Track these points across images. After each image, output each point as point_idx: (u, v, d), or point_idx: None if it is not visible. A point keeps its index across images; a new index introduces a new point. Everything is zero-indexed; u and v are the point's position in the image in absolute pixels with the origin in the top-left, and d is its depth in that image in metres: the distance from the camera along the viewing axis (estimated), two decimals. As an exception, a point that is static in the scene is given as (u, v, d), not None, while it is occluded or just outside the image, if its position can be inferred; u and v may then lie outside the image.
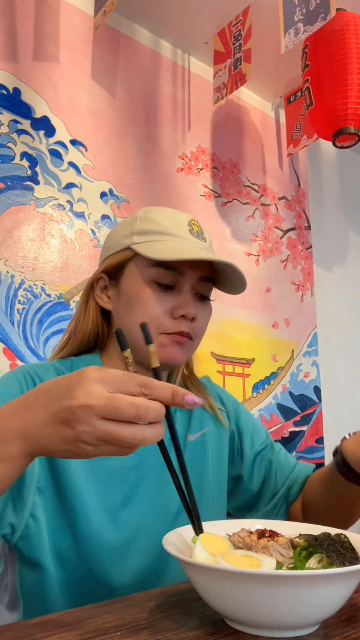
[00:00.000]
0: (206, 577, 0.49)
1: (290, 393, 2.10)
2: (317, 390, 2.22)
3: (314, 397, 2.20)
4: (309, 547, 0.54)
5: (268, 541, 0.54)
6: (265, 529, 0.58)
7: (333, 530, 0.58)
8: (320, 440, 2.18)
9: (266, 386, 2.01)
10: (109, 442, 0.47)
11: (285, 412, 2.07)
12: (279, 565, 0.51)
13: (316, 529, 0.60)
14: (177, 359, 0.78)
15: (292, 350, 2.15)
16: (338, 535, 0.55)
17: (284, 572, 0.48)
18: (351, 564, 0.50)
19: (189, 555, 0.53)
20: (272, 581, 0.45)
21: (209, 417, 0.89)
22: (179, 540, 0.57)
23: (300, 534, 0.56)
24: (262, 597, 0.45)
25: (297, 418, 2.11)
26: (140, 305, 0.77)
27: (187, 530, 0.59)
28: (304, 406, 2.15)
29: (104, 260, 0.85)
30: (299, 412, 2.12)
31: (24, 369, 0.78)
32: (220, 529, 0.60)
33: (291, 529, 0.61)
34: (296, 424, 2.09)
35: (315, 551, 0.53)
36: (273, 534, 0.56)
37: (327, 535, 0.55)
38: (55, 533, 0.70)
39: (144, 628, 0.49)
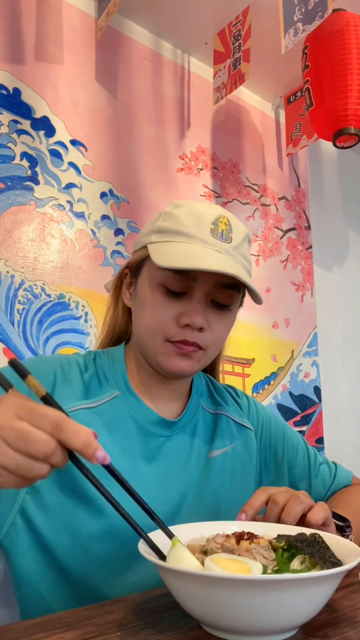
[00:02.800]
0: (182, 582, 0.47)
1: (290, 393, 2.10)
2: (317, 390, 2.22)
3: (314, 397, 2.20)
4: (290, 549, 0.54)
5: (250, 544, 0.53)
6: (243, 531, 0.57)
7: (306, 530, 0.58)
8: (320, 440, 2.18)
9: (266, 386, 2.01)
10: (12, 472, 0.46)
11: (286, 412, 2.07)
12: (264, 569, 0.50)
13: (289, 529, 0.60)
14: (181, 370, 0.73)
15: (292, 351, 2.15)
16: (313, 535, 0.55)
17: (276, 576, 0.47)
18: (332, 563, 0.50)
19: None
20: (263, 586, 0.44)
21: (235, 431, 0.85)
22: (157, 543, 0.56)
23: (278, 535, 0.56)
24: (250, 603, 0.44)
25: (297, 418, 2.11)
26: (147, 308, 0.74)
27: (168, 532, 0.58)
28: (304, 406, 2.15)
29: (132, 254, 0.82)
30: (299, 412, 2.12)
31: (39, 362, 0.77)
32: (195, 531, 0.60)
33: (264, 529, 0.60)
34: (296, 424, 2.09)
35: (297, 552, 0.53)
36: (252, 536, 0.55)
37: (304, 535, 0.55)
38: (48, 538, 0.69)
39: (144, 628, 0.49)
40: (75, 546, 0.68)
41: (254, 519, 0.67)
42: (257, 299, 0.73)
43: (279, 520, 0.64)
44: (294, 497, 0.65)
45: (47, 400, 0.51)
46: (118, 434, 0.74)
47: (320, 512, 0.64)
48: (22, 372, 0.51)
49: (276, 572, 0.51)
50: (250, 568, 0.49)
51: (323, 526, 0.65)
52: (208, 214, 0.74)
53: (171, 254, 0.71)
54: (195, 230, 0.72)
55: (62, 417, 0.47)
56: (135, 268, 0.79)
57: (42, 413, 0.47)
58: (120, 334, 0.86)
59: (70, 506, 0.68)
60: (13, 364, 0.51)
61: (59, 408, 0.51)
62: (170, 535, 0.54)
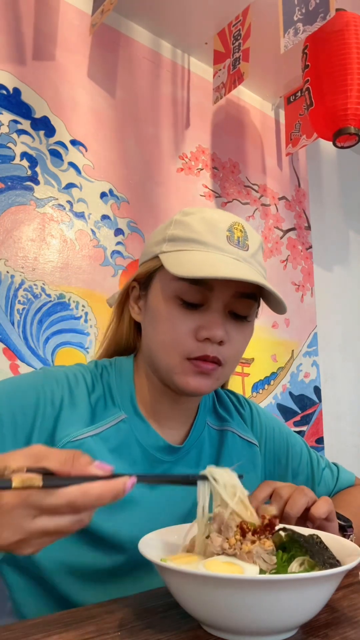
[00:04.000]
0: (182, 582, 0.48)
1: (290, 393, 2.10)
2: (317, 390, 2.22)
3: (314, 397, 2.20)
4: (291, 549, 0.53)
5: (253, 544, 0.52)
6: (248, 527, 0.54)
7: (305, 531, 0.58)
8: (320, 441, 2.18)
9: (266, 386, 2.01)
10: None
11: (285, 412, 2.07)
12: (262, 573, 0.50)
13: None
14: (201, 390, 0.69)
15: (292, 350, 2.15)
16: (310, 536, 0.55)
17: (276, 576, 0.47)
18: (332, 564, 0.50)
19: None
20: (263, 586, 0.44)
21: (240, 448, 0.83)
22: (158, 543, 0.56)
23: (285, 527, 0.56)
24: (250, 603, 0.44)
25: (297, 418, 2.11)
26: (162, 323, 0.70)
27: (167, 532, 0.59)
28: (304, 406, 2.15)
29: (139, 267, 0.78)
30: (299, 412, 2.12)
31: (46, 379, 0.71)
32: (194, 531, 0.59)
33: None
34: (296, 424, 2.09)
35: (297, 554, 0.52)
36: (262, 531, 0.53)
37: (302, 534, 0.55)
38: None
39: (144, 628, 0.49)
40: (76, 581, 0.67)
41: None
42: (279, 308, 0.70)
43: (282, 513, 0.64)
44: (298, 490, 0.66)
45: (49, 483, 0.44)
46: (123, 459, 0.71)
47: (324, 506, 0.65)
48: (2, 487, 0.43)
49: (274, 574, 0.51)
50: (243, 571, 0.49)
51: (326, 521, 0.65)
52: (222, 220, 0.70)
53: (189, 263, 0.66)
54: (211, 238, 0.69)
55: (74, 494, 0.44)
56: (144, 280, 0.75)
57: (53, 504, 0.43)
58: (122, 348, 0.83)
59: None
60: None
61: (67, 481, 0.45)
62: (200, 477, 0.57)
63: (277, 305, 0.71)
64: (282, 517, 0.64)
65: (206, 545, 0.54)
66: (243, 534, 0.53)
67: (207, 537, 0.54)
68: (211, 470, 0.58)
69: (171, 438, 0.77)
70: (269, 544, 0.52)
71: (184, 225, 0.71)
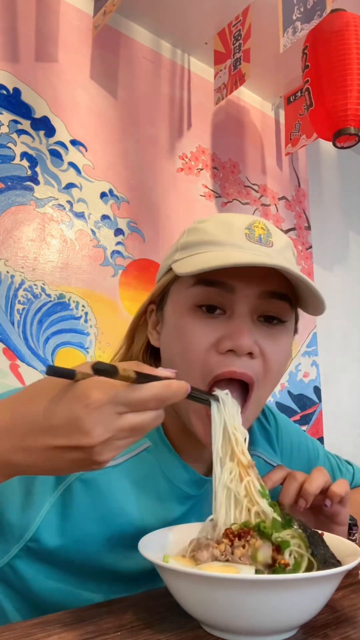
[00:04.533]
0: (183, 582, 0.48)
1: (289, 392, 2.10)
2: (317, 390, 2.22)
3: (314, 397, 2.20)
4: (291, 522, 0.54)
5: (243, 548, 0.52)
6: (233, 533, 0.53)
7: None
8: (320, 441, 2.17)
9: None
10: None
11: (285, 411, 2.07)
12: (258, 572, 0.50)
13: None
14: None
15: (291, 350, 2.15)
16: (314, 532, 0.55)
17: (276, 576, 0.47)
18: (332, 564, 0.50)
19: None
20: (263, 586, 0.44)
21: (265, 472, 0.76)
22: (157, 543, 0.56)
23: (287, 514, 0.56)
24: (250, 603, 0.44)
25: (297, 418, 2.11)
26: (179, 339, 0.61)
27: (167, 532, 0.58)
28: (303, 406, 2.15)
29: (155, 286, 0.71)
30: (299, 411, 2.12)
31: None
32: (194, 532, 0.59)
33: None
34: (296, 423, 2.09)
35: (288, 525, 0.53)
36: (244, 534, 0.53)
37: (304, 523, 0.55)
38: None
39: (144, 628, 0.49)
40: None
41: None
42: (316, 306, 0.60)
43: (296, 495, 0.63)
44: (316, 469, 0.65)
45: (140, 380, 0.44)
46: (148, 495, 0.64)
47: (343, 485, 0.64)
48: (109, 372, 0.42)
49: (273, 571, 0.51)
50: (239, 572, 0.49)
51: (339, 504, 0.65)
52: (238, 219, 0.62)
53: (201, 261, 0.58)
54: (227, 237, 0.60)
55: (159, 389, 0.44)
56: (159, 299, 0.67)
57: (141, 399, 0.43)
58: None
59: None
60: (98, 369, 0.41)
61: (152, 378, 0.45)
62: (213, 398, 0.57)
63: (313, 303, 0.61)
64: (300, 494, 0.63)
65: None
66: (230, 541, 0.52)
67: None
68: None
69: (199, 466, 0.70)
70: (258, 543, 0.52)
71: (197, 230, 0.64)
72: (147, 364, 0.71)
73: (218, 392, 0.59)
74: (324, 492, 0.65)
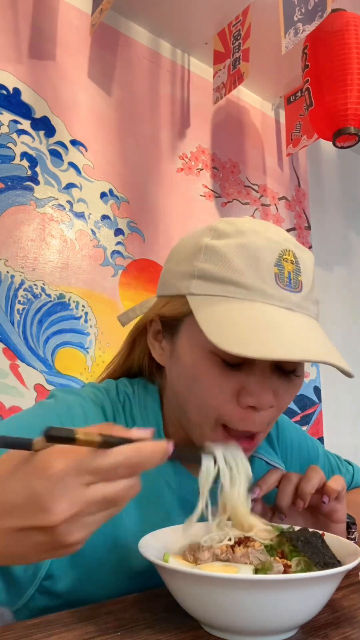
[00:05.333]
0: (183, 582, 0.48)
1: (290, 393, 2.10)
2: (317, 390, 2.22)
3: (314, 398, 2.20)
4: (287, 548, 0.53)
5: (244, 548, 0.52)
6: (239, 537, 0.54)
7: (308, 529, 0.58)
8: (320, 441, 2.17)
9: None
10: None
11: (285, 412, 2.06)
12: (260, 572, 0.50)
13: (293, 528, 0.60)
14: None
15: (292, 351, 2.14)
16: (315, 532, 0.55)
17: (276, 576, 0.47)
18: (332, 564, 0.50)
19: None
20: (263, 586, 0.44)
21: (263, 466, 0.77)
22: (157, 543, 0.56)
23: (281, 532, 0.56)
24: (250, 603, 0.44)
25: (297, 418, 2.10)
26: (197, 383, 0.58)
27: (166, 533, 0.58)
28: (303, 406, 2.15)
29: (160, 298, 0.65)
30: (299, 412, 2.12)
31: (59, 417, 0.60)
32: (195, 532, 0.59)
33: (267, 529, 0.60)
34: (296, 424, 2.09)
35: (294, 554, 0.52)
36: (245, 540, 0.54)
37: (306, 532, 0.55)
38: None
39: (144, 628, 0.49)
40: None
41: (263, 508, 0.67)
42: (346, 374, 0.55)
43: (292, 496, 0.63)
44: (311, 468, 0.64)
45: (107, 443, 0.40)
46: (153, 511, 0.62)
47: (339, 481, 0.64)
48: (67, 439, 0.38)
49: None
50: (238, 571, 0.49)
51: (336, 500, 0.65)
52: (267, 249, 0.56)
53: (231, 328, 0.53)
54: (254, 279, 0.55)
55: (131, 454, 0.40)
56: (170, 323, 0.63)
57: (111, 465, 0.39)
58: (133, 374, 0.74)
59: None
60: (50, 435, 0.37)
61: (121, 440, 0.41)
62: (203, 452, 0.52)
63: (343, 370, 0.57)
64: (297, 494, 0.63)
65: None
66: (231, 547, 0.53)
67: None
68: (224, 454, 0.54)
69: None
70: (258, 544, 0.53)
71: (219, 256, 0.57)
72: (149, 370, 0.70)
73: (217, 449, 0.53)
74: (320, 490, 0.64)
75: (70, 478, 0.37)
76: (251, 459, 0.75)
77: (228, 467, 0.53)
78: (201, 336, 0.55)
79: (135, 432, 0.42)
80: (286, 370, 0.60)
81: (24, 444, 0.39)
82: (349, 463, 0.95)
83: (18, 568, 0.55)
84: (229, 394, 0.57)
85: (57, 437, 0.37)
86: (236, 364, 0.57)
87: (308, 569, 0.50)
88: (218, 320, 0.54)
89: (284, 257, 0.57)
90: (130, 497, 0.41)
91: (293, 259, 0.58)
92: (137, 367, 0.73)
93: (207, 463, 0.52)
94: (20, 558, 0.41)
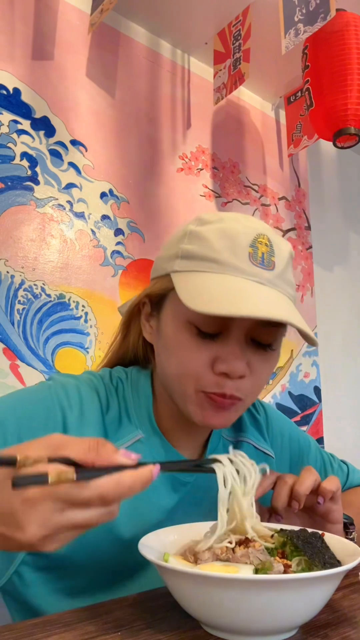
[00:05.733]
0: (183, 582, 0.48)
1: (289, 393, 2.10)
2: (317, 390, 2.22)
3: (314, 398, 2.20)
4: (288, 548, 0.53)
5: (244, 548, 0.52)
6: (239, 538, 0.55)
7: (308, 529, 0.58)
8: (320, 441, 2.17)
9: (265, 386, 2.01)
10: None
11: (285, 412, 2.07)
12: (260, 572, 0.50)
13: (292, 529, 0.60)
14: (217, 425, 0.64)
15: (292, 350, 2.15)
16: (314, 533, 0.55)
17: (276, 576, 0.47)
18: (332, 564, 0.50)
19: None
20: (263, 586, 0.44)
21: (256, 459, 0.75)
22: (157, 543, 0.56)
23: (281, 529, 0.56)
24: (250, 603, 0.44)
25: (297, 418, 2.10)
26: (175, 352, 0.63)
27: (166, 533, 0.59)
28: (303, 406, 2.15)
29: (151, 281, 0.71)
30: (299, 412, 2.12)
31: (57, 396, 0.65)
32: (194, 531, 0.59)
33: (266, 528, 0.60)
34: (296, 424, 2.09)
35: (294, 554, 0.53)
36: (246, 541, 0.54)
37: (305, 533, 0.55)
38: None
39: (144, 628, 0.49)
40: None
41: (261, 510, 0.67)
42: (311, 341, 0.60)
43: (288, 498, 0.64)
44: (305, 469, 0.65)
45: (83, 476, 0.41)
46: None
47: (334, 481, 0.65)
48: (7, 462, 0.41)
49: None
50: (238, 571, 0.49)
51: (331, 501, 0.65)
52: (243, 233, 0.61)
53: (204, 292, 0.58)
54: (230, 257, 0.60)
55: (107, 486, 0.41)
56: (156, 300, 0.68)
57: (84, 496, 0.40)
58: (127, 363, 0.78)
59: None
60: (20, 481, 0.39)
61: (100, 471, 0.42)
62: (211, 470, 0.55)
63: (307, 338, 0.62)
64: (292, 496, 0.64)
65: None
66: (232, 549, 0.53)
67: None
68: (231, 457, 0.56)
69: (190, 452, 0.74)
70: (258, 544, 0.53)
71: (200, 238, 0.62)
72: (143, 354, 0.75)
73: (221, 461, 0.56)
74: (315, 491, 0.65)
75: (45, 504, 0.39)
76: (239, 444, 0.78)
77: (241, 477, 0.55)
78: (181, 308, 0.60)
79: (120, 458, 0.44)
80: (261, 344, 0.63)
81: (7, 461, 0.40)
82: (344, 462, 0.95)
83: None
84: (205, 362, 0.61)
85: (29, 481, 0.39)
86: (212, 334, 0.61)
87: (309, 569, 0.50)
88: (193, 289, 0.59)
89: (259, 240, 0.61)
90: (104, 522, 0.42)
91: (267, 242, 0.62)
92: (132, 352, 0.77)
93: (222, 470, 0.55)
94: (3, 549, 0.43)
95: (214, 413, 0.63)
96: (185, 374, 0.62)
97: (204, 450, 0.75)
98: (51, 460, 0.41)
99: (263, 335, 0.63)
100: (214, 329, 0.61)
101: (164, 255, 0.68)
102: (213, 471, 0.55)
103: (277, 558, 0.53)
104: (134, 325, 0.74)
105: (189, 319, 0.61)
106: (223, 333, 0.61)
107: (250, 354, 0.63)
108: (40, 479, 0.39)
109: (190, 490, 0.71)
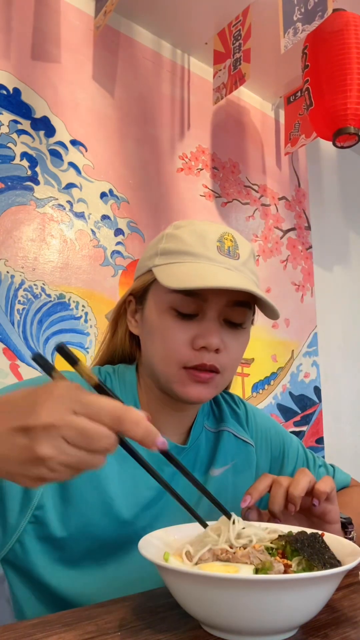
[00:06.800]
0: (183, 582, 0.48)
1: (290, 393, 2.10)
2: (317, 390, 2.22)
3: (314, 398, 2.20)
4: (288, 548, 0.53)
5: (245, 548, 0.52)
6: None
7: (307, 530, 0.58)
8: (320, 441, 2.17)
9: (266, 386, 2.01)
10: (71, 467, 0.44)
11: (285, 412, 2.07)
12: (260, 572, 0.50)
13: (290, 529, 0.60)
14: (200, 399, 0.71)
15: (292, 351, 2.15)
16: (314, 534, 0.55)
17: (277, 576, 0.47)
18: (332, 564, 0.50)
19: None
20: (263, 586, 0.44)
21: (235, 447, 0.85)
22: (157, 543, 0.56)
23: (279, 536, 0.56)
24: (250, 603, 0.44)
25: (297, 418, 2.11)
26: (159, 334, 0.71)
27: (166, 533, 0.59)
28: (304, 406, 2.15)
29: (134, 281, 0.79)
30: (299, 412, 2.12)
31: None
32: (193, 532, 0.59)
33: (264, 530, 0.60)
34: (296, 424, 2.09)
35: (294, 555, 0.53)
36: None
37: (304, 535, 0.55)
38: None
39: (144, 628, 0.49)
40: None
41: (259, 514, 0.68)
42: (272, 314, 0.71)
43: (284, 501, 0.66)
44: (299, 471, 0.68)
45: (100, 388, 0.49)
46: (129, 464, 0.67)
47: (328, 482, 0.67)
48: (71, 359, 0.47)
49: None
50: (238, 570, 0.49)
51: (328, 502, 0.67)
52: (211, 231, 0.72)
53: (180, 274, 0.68)
54: (201, 249, 0.70)
55: (120, 408, 0.45)
56: (140, 294, 0.77)
57: (99, 406, 0.44)
58: (116, 360, 0.84)
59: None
60: (62, 350, 0.47)
61: (113, 396, 0.49)
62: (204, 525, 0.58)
63: (270, 311, 0.72)
64: (288, 499, 0.66)
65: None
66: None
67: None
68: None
69: (173, 437, 0.79)
70: (257, 546, 0.53)
71: (175, 238, 0.73)
72: (130, 351, 0.82)
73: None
74: (310, 492, 0.67)
75: (63, 400, 0.44)
76: (220, 434, 0.84)
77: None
78: (162, 296, 0.71)
79: (141, 416, 0.47)
80: (233, 323, 0.72)
81: (48, 367, 0.48)
82: (332, 466, 0.96)
83: (11, 497, 0.63)
84: (186, 340, 0.70)
85: (65, 352, 0.47)
86: (191, 315, 0.70)
87: (309, 569, 0.50)
88: (171, 274, 0.69)
89: (225, 236, 0.72)
90: (103, 448, 0.45)
91: (232, 239, 0.73)
92: (120, 349, 0.83)
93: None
94: (3, 460, 0.45)
95: (196, 387, 0.70)
96: (168, 354, 0.70)
97: (187, 437, 0.80)
98: None
99: (234, 316, 0.72)
100: (191, 310, 0.70)
101: (145, 257, 0.78)
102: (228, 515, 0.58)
103: (277, 558, 0.53)
104: (121, 323, 0.82)
105: (170, 303, 0.70)
106: (199, 315, 0.70)
107: (225, 333, 0.71)
108: (73, 359, 0.46)
109: (175, 472, 0.72)
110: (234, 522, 0.56)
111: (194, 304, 0.70)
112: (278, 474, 0.88)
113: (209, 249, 0.70)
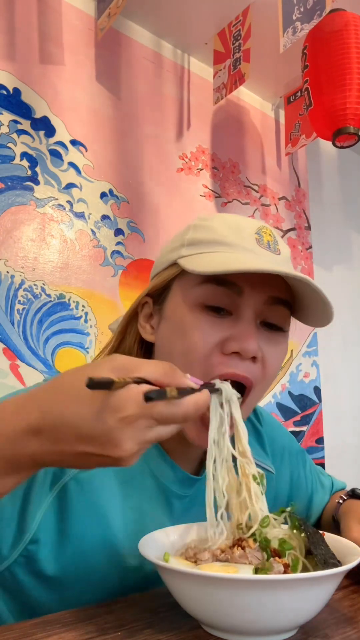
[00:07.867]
0: (183, 582, 0.48)
1: (289, 393, 2.10)
2: (317, 390, 2.22)
3: (314, 397, 2.20)
4: (294, 521, 0.54)
5: (240, 549, 0.52)
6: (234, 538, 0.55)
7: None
8: (320, 441, 2.17)
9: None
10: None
11: (285, 411, 2.07)
12: (260, 572, 0.50)
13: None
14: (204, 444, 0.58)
15: (292, 350, 2.14)
16: (316, 529, 0.55)
17: (277, 576, 0.47)
18: (332, 564, 0.50)
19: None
20: (263, 586, 0.44)
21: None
22: (157, 543, 0.56)
23: (281, 510, 0.56)
24: (250, 603, 0.44)
25: (297, 418, 2.10)
26: (182, 336, 0.59)
27: (166, 533, 0.58)
28: (303, 406, 2.15)
29: (151, 280, 0.69)
30: (299, 412, 2.12)
31: None
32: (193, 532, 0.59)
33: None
34: (296, 424, 2.09)
35: (285, 544, 0.53)
36: (239, 541, 0.54)
37: (308, 526, 0.55)
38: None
39: (144, 628, 0.49)
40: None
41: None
42: (325, 316, 0.60)
43: None
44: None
45: (180, 395, 0.45)
46: (136, 495, 0.63)
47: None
48: (105, 385, 0.41)
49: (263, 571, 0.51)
50: (238, 571, 0.49)
51: None
52: (247, 223, 0.62)
53: (213, 263, 0.57)
54: (238, 239, 0.60)
55: (190, 405, 0.44)
56: (159, 293, 0.65)
57: (175, 413, 0.43)
58: None
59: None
60: (93, 385, 0.40)
61: (187, 391, 0.45)
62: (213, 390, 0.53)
63: (318, 314, 0.61)
64: None
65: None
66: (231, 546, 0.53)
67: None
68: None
69: (188, 465, 0.68)
70: (252, 543, 0.53)
71: (205, 228, 0.63)
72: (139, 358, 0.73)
73: (218, 383, 0.55)
74: None
75: (140, 422, 0.42)
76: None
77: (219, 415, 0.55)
78: (188, 291, 0.60)
79: (190, 382, 0.46)
80: (272, 325, 0.61)
81: (106, 385, 0.42)
82: (331, 480, 0.93)
83: (3, 526, 0.56)
84: (214, 342, 0.58)
85: (151, 396, 0.42)
86: (223, 311, 0.59)
87: (296, 562, 0.50)
88: (203, 262, 0.58)
89: (263, 230, 0.62)
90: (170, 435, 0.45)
91: (271, 234, 0.63)
92: (128, 354, 0.72)
93: (216, 397, 0.55)
94: (80, 468, 0.46)
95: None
96: (192, 358, 0.58)
97: (201, 464, 0.70)
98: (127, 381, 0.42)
99: (273, 316, 0.61)
100: (224, 304, 0.59)
101: (166, 251, 0.67)
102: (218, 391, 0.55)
103: (277, 558, 0.53)
104: (131, 330, 0.71)
105: (199, 298, 0.59)
106: (234, 314, 0.59)
107: (262, 339, 0.60)
108: (163, 393, 0.42)
109: (188, 504, 0.68)
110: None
111: (227, 297, 0.58)
112: (294, 495, 0.83)
113: (245, 239, 0.60)
